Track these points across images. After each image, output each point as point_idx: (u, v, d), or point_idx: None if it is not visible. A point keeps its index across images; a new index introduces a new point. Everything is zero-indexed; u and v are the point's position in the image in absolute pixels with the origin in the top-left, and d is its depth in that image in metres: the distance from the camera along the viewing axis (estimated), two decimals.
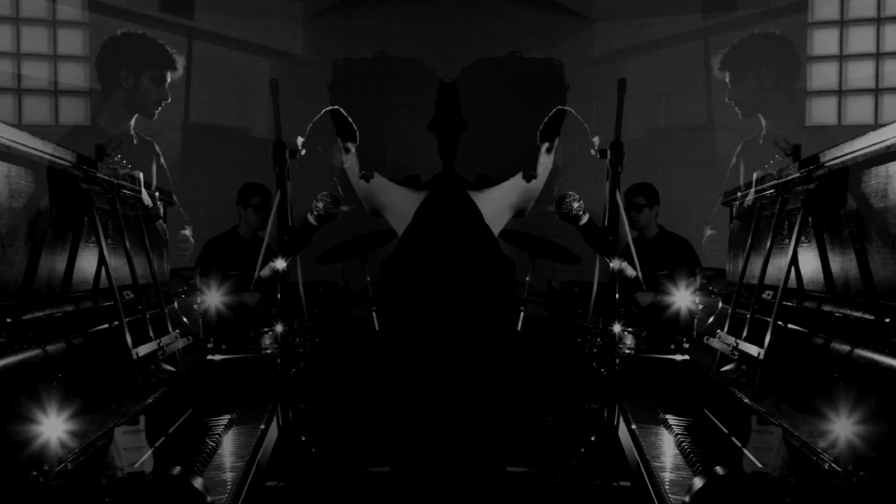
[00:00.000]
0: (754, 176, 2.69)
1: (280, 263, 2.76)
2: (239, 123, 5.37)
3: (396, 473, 2.66)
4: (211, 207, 4.89)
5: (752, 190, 2.74)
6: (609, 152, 2.73)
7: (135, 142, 4.20)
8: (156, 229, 3.02)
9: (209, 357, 3.02)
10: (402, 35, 5.43)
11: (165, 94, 4.18)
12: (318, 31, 5.53)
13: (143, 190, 2.56)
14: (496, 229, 2.71)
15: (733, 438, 2.24)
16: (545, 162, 2.66)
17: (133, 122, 4.20)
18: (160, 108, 4.21)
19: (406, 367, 2.53)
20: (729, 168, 4.72)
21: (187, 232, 4.48)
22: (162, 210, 3.16)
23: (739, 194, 2.95)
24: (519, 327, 3.79)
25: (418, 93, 2.67)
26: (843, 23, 4.90)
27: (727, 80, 4.54)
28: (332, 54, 5.39)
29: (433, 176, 2.66)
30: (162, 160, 4.39)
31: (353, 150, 2.62)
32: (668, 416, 2.59)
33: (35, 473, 1.55)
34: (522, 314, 3.83)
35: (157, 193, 2.90)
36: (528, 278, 3.87)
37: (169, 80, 4.18)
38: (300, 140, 2.65)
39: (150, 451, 1.93)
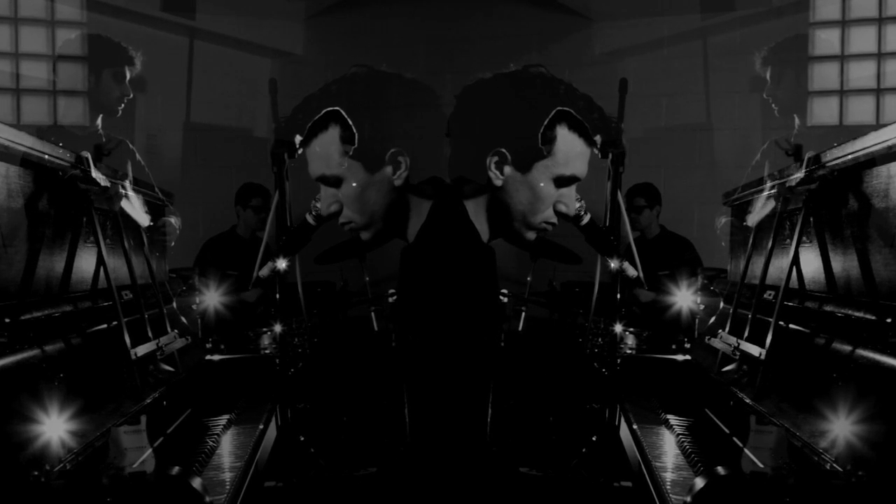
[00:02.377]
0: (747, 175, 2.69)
1: (281, 263, 2.75)
2: (239, 123, 5.37)
3: (396, 467, 2.67)
4: (211, 207, 4.89)
5: (753, 190, 2.73)
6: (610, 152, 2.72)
7: (104, 140, 4.21)
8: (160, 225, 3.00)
9: (208, 357, 3.01)
10: (402, 35, 5.43)
11: (127, 91, 4.19)
12: (318, 30, 5.53)
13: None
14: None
15: (734, 438, 2.24)
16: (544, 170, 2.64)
17: (100, 121, 4.21)
18: (123, 105, 4.22)
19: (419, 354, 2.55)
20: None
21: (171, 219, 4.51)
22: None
23: (741, 193, 2.94)
24: (520, 327, 3.78)
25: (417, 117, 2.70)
26: (844, 23, 4.90)
27: (767, 76, 4.49)
28: (333, 54, 5.39)
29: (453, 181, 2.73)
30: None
31: (350, 151, 2.61)
32: (669, 416, 2.59)
33: (36, 473, 1.55)
34: (524, 314, 3.82)
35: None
36: (529, 278, 3.87)
37: (128, 76, 4.18)
38: (298, 139, 2.64)
39: (149, 451, 1.93)
